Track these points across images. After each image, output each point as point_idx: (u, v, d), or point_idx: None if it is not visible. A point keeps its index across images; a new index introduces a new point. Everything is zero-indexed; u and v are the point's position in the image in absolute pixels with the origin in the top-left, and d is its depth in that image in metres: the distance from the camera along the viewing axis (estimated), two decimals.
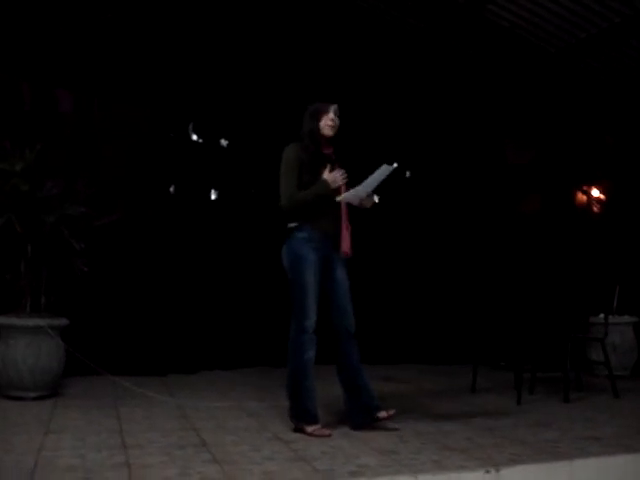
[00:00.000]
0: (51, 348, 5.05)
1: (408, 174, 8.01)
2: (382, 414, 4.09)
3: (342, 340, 4.13)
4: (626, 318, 6.98)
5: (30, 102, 6.24)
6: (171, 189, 6.90)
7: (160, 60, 6.72)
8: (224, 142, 7.14)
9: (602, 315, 6.24)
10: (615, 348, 6.76)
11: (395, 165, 4.04)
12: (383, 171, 4.05)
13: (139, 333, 6.40)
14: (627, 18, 6.72)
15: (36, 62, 6.23)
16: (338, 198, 4.09)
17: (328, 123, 4.14)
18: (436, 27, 7.60)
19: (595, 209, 8.12)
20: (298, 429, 4.01)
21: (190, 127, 6.97)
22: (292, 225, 4.12)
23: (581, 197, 8.26)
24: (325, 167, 4.12)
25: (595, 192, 8.13)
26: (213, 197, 7.10)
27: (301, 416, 4.01)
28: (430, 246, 7.93)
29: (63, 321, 5.19)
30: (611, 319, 6.34)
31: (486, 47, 7.81)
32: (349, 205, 4.19)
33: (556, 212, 8.11)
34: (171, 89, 6.80)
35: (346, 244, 4.13)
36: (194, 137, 6.99)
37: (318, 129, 4.14)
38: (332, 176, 4.05)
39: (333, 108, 4.16)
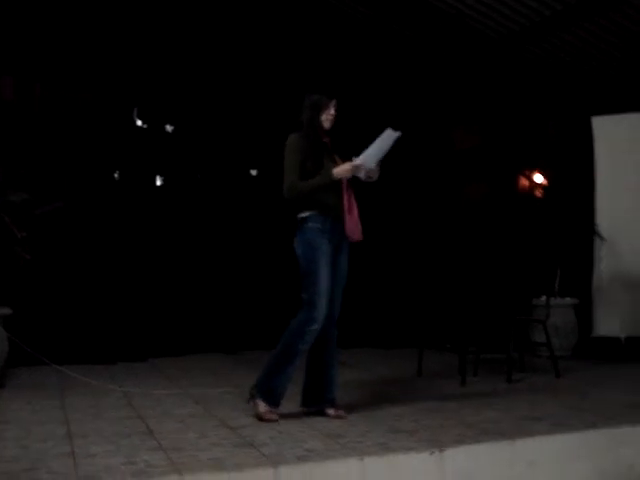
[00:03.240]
0: None
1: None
2: (331, 411, 4.11)
3: (326, 323, 4.08)
4: (567, 300, 7.13)
5: None
6: (116, 175, 6.81)
7: (103, 44, 6.62)
8: (169, 127, 7.08)
9: (544, 297, 6.38)
10: (557, 329, 6.90)
11: (399, 133, 4.08)
12: (387, 138, 4.07)
13: (86, 321, 6.34)
14: (569, 6, 6.83)
15: None
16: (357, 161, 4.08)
17: (328, 117, 4.21)
18: (382, 13, 7.63)
19: (538, 194, 8.26)
20: (253, 401, 3.99)
21: (134, 112, 6.88)
22: (304, 215, 4.10)
23: (524, 182, 8.39)
24: (328, 156, 4.16)
25: (538, 177, 8.27)
26: (158, 183, 7.04)
27: (264, 394, 3.98)
28: (376, 231, 7.94)
29: (5, 310, 5.10)
30: (553, 301, 6.50)
31: (432, 33, 7.86)
32: (354, 187, 4.20)
33: (500, 197, 8.23)
34: (115, 74, 6.70)
35: (351, 229, 4.11)
36: (138, 122, 6.91)
37: (319, 121, 4.20)
38: (341, 169, 4.08)
39: (333, 103, 4.23)
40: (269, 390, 4.00)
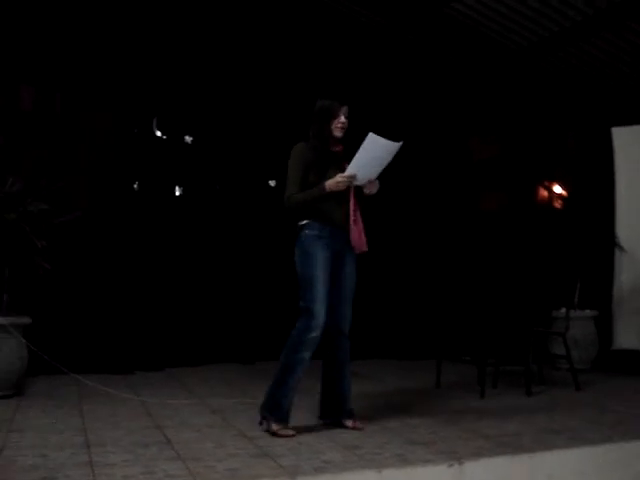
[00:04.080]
0: (13, 347, 4.99)
1: None
2: (349, 423, 4.08)
3: (334, 337, 4.08)
4: (587, 312, 7.08)
5: None
6: (135, 185, 6.84)
7: (123, 55, 6.66)
8: (188, 138, 7.11)
9: (564, 309, 6.33)
10: (576, 342, 6.85)
11: (400, 143, 3.98)
12: (373, 143, 3.92)
13: (104, 331, 6.35)
14: (588, 17, 6.81)
15: None
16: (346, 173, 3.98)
17: (338, 125, 4.12)
18: (398, 23, 7.63)
19: (557, 205, 8.22)
20: (263, 421, 3.95)
21: (154, 123, 6.92)
22: (302, 223, 4.07)
23: (543, 193, 8.36)
24: (336, 166, 4.08)
25: (557, 188, 8.23)
26: (177, 193, 7.07)
27: (272, 410, 3.93)
28: (393, 241, 7.95)
29: (25, 319, 5.13)
30: (572, 313, 6.43)
31: (450, 44, 7.86)
32: (359, 199, 4.13)
33: (519, 207, 8.20)
34: (135, 84, 6.75)
35: (356, 240, 4.07)
36: (158, 133, 6.95)
37: (329, 131, 4.12)
38: (333, 181, 3.97)
39: (344, 110, 4.14)
40: (275, 405, 3.94)
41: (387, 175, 7.97)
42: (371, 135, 3.92)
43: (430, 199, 8.14)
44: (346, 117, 4.15)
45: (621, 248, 6.66)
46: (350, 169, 3.99)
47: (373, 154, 3.97)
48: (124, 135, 6.74)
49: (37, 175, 5.87)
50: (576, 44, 7.33)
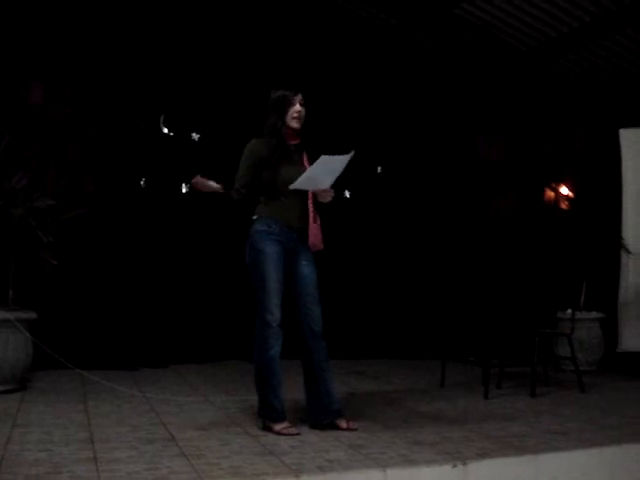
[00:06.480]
0: (18, 342, 5.01)
1: (380, 170, 8.03)
2: (342, 424, 3.97)
3: (307, 338, 3.99)
4: (593, 314, 7.06)
5: None
6: (142, 182, 6.84)
7: (131, 52, 6.67)
8: (195, 135, 7.11)
9: (569, 311, 6.32)
10: (582, 343, 6.84)
11: (351, 153, 3.83)
12: (324, 163, 3.83)
13: (109, 327, 6.37)
14: (597, 17, 6.79)
15: (5, 53, 6.15)
16: (291, 186, 3.90)
17: (294, 115, 3.97)
18: (408, 23, 7.62)
19: (563, 206, 8.19)
20: (266, 427, 3.92)
21: (161, 120, 6.92)
22: (253, 217, 4.03)
23: (550, 194, 8.33)
24: (292, 160, 4.00)
25: (564, 189, 8.21)
26: (184, 190, 7.07)
27: (268, 414, 3.92)
28: (400, 241, 7.95)
29: (31, 314, 5.15)
30: (578, 315, 6.43)
31: (458, 44, 7.85)
32: (315, 199, 4.07)
33: (525, 209, 8.18)
34: (142, 81, 6.75)
35: (314, 237, 4.01)
36: (165, 130, 6.95)
37: (284, 122, 3.98)
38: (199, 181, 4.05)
39: (298, 98, 4.00)
40: (268, 408, 3.92)
41: (396, 175, 7.99)
42: (323, 157, 3.82)
43: (436, 199, 8.13)
44: (302, 105, 4.00)
45: (627, 250, 6.64)
46: (296, 184, 3.89)
47: (323, 169, 3.87)
48: (131, 132, 6.74)
49: (44, 171, 5.89)
50: (585, 46, 7.31)
